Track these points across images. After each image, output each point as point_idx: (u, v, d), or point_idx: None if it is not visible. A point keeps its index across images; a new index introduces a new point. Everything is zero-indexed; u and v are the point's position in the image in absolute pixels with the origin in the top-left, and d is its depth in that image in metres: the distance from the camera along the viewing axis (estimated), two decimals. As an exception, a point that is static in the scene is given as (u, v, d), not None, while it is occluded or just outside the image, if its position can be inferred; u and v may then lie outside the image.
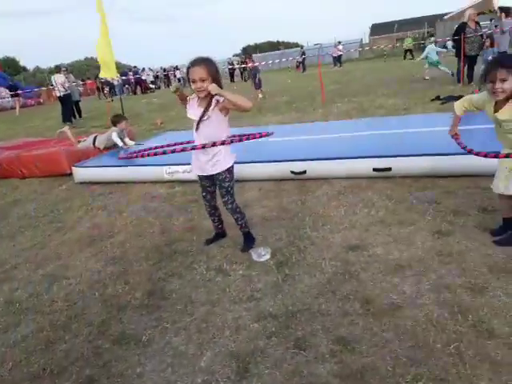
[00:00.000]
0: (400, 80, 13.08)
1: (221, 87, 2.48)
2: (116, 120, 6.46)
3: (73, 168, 5.30)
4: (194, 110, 2.62)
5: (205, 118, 2.55)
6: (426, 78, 12.12)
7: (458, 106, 2.61)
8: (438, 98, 8.28)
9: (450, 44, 18.90)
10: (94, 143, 6.36)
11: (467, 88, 9.17)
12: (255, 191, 4.10)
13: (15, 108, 20.14)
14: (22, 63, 57.73)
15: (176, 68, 29.84)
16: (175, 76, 28.50)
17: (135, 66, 30.71)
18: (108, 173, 5.10)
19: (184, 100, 2.71)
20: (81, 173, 5.23)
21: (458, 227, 2.79)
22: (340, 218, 3.18)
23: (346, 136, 5.17)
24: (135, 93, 27.37)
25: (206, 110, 2.54)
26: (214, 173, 2.68)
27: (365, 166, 3.94)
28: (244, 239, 2.90)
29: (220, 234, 3.11)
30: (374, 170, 3.87)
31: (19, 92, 19.08)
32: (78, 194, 4.82)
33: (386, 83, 12.60)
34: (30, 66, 56.84)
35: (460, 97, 2.90)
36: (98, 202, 4.43)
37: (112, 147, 6.23)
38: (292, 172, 4.20)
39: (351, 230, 2.95)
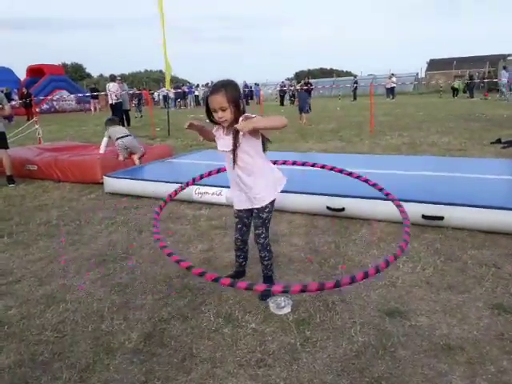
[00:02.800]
0: (456, 118, 12.37)
1: (243, 111, 2.20)
2: (106, 123, 6.51)
3: (104, 177, 5.18)
4: (223, 141, 2.32)
5: (237, 146, 2.25)
6: None
7: None
8: (498, 141, 7.60)
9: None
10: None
11: (533, 133, 8.41)
12: (284, 224, 3.73)
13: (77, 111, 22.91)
14: (87, 70, 61.19)
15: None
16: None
17: (192, 84, 31.71)
18: (137, 186, 4.92)
19: (206, 134, 2.43)
20: (111, 183, 5.09)
21: (525, 304, 2.28)
22: (378, 271, 2.74)
23: (394, 173, 4.71)
24: (185, 106, 28.08)
25: (236, 137, 2.24)
26: (257, 206, 2.39)
27: (413, 211, 3.46)
28: (265, 282, 2.53)
29: (240, 273, 2.75)
30: (424, 217, 3.40)
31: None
32: (104, 205, 4.65)
33: (441, 120, 11.95)
34: (95, 73, 60.04)
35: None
36: (121, 217, 4.22)
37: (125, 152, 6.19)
38: (328, 208, 3.80)
39: (390, 289, 2.50)
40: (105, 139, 6.32)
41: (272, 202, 2.41)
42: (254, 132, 2.21)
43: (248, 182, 2.32)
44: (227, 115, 2.17)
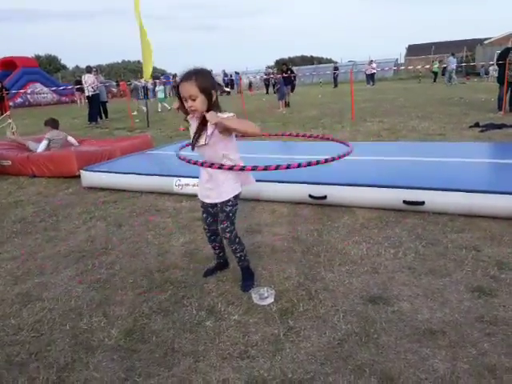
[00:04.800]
0: (435, 102, 12.50)
1: (217, 104, 2.11)
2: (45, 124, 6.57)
3: (81, 171, 5.04)
4: (193, 131, 2.24)
5: (202, 143, 2.16)
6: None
7: None
8: (477, 124, 7.70)
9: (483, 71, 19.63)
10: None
11: (509, 116, 8.55)
12: (267, 214, 3.70)
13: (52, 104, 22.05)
14: (62, 62, 59.54)
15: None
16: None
17: (169, 74, 31.08)
18: (116, 179, 4.81)
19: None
20: (88, 177, 4.96)
21: (505, 285, 2.30)
22: (361, 257, 2.74)
23: (375, 160, 4.71)
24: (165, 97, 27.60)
25: (201, 133, 2.15)
26: (219, 201, 2.30)
27: (394, 197, 3.48)
28: (242, 275, 2.49)
29: (221, 264, 2.71)
30: (405, 202, 3.41)
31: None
32: (82, 200, 4.54)
33: (421, 105, 12.05)
34: (70, 65, 58.47)
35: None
36: (100, 212, 4.11)
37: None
38: (310, 196, 3.78)
39: (373, 275, 2.50)
40: (44, 142, 6.33)
41: (236, 196, 2.31)
42: (226, 130, 2.11)
43: (218, 176, 2.25)
44: (197, 105, 2.06)
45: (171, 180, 4.45)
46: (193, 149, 2.25)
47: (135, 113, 14.76)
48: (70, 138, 6.70)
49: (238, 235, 2.40)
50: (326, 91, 23.34)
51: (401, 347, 1.87)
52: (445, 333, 1.95)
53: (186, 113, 2.21)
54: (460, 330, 1.96)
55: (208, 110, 2.07)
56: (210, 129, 2.12)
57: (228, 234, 2.34)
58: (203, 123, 2.13)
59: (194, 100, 2.05)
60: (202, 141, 2.16)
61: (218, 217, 2.42)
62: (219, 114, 2.05)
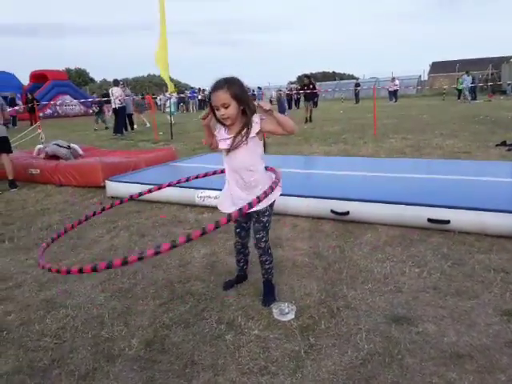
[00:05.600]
0: (460, 120, 12.30)
1: (253, 110, 2.14)
2: None
3: (106, 181, 5.15)
4: (225, 142, 2.23)
5: (242, 143, 2.18)
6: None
7: None
8: (504, 143, 7.53)
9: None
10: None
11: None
12: (288, 228, 3.68)
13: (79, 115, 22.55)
14: (91, 75, 61.63)
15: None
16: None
17: (194, 89, 31.69)
18: (139, 190, 4.87)
19: (211, 137, 2.32)
20: (113, 187, 5.06)
21: (536, 310, 2.22)
22: (384, 276, 2.68)
23: (399, 176, 4.66)
24: (187, 110, 28.16)
25: (240, 134, 2.18)
26: (257, 209, 2.28)
27: (419, 215, 3.42)
28: (264, 289, 2.48)
29: (241, 277, 2.71)
30: (429, 220, 3.34)
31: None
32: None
33: (445, 122, 11.88)
34: (98, 78, 60.45)
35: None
36: (123, 221, 4.18)
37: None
38: (332, 211, 3.75)
39: (397, 294, 2.45)
40: (39, 146, 7.12)
41: (271, 205, 2.34)
42: (261, 133, 2.18)
43: (251, 182, 2.25)
44: (230, 112, 2.09)
45: (193, 192, 4.50)
46: (229, 153, 2.25)
47: (136, 126, 15.10)
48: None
49: (270, 247, 2.42)
50: (347, 107, 23.32)
51: (426, 370, 1.81)
52: (472, 357, 1.88)
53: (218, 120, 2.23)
54: (488, 354, 1.89)
55: (247, 118, 2.14)
56: (253, 128, 2.15)
57: (263, 244, 2.36)
58: (241, 128, 2.16)
59: (226, 108, 2.08)
60: (241, 142, 2.17)
61: (250, 230, 2.46)
62: (254, 117, 2.15)
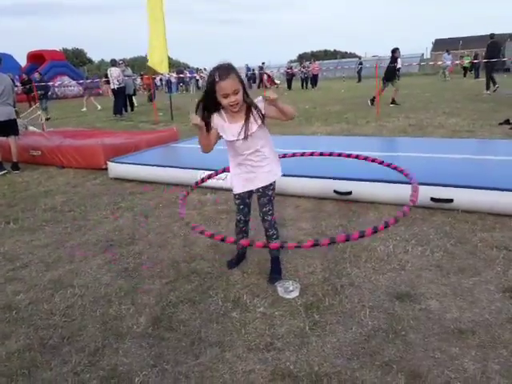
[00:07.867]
0: (463, 98, 12.17)
1: (248, 95, 2.16)
2: None
3: (108, 163, 5.14)
4: (230, 130, 2.21)
5: (252, 131, 2.19)
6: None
7: None
8: (507, 121, 7.46)
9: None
10: None
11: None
12: (291, 208, 3.69)
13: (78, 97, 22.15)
14: (88, 55, 60.75)
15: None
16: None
17: (192, 68, 31.22)
18: (142, 171, 4.89)
19: (204, 137, 2.29)
20: (115, 168, 5.06)
21: (537, 286, 2.24)
22: (387, 254, 2.71)
23: (402, 156, 4.64)
24: (187, 90, 27.86)
25: (249, 119, 2.18)
26: (267, 183, 2.34)
27: (421, 194, 3.40)
28: (272, 265, 2.51)
29: (241, 255, 2.75)
30: (433, 199, 3.35)
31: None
32: (109, 191, 4.63)
33: (448, 101, 11.76)
34: (96, 58, 59.63)
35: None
36: (127, 202, 4.20)
37: None
38: (335, 192, 3.76)
39: (400, 273, 2.47)
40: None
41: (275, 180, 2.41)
42: (270, 114, 2.21)
43: (261, 164, 2.30)
44: (239, 97, 2.09)
45: (196, 172, 4.49)
46: (236, 141, 2.24)
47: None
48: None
49: (276, 221, 2.46)
50: (349, 86, 23.03)
51: (429, 345, 1.85)
52: (475, 333, 1.91)
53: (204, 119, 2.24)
54: (490, 330, 1.92)
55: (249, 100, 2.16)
56: (257, 115, 2.17)
57: (270, 217, 2.40)
58: (247, 114, 2.18)
59: (236, 94, 2.08)
60: (251, 129, 2.19)
61: (251, 206, 2.50)
62: (256, 100, 2.18)
